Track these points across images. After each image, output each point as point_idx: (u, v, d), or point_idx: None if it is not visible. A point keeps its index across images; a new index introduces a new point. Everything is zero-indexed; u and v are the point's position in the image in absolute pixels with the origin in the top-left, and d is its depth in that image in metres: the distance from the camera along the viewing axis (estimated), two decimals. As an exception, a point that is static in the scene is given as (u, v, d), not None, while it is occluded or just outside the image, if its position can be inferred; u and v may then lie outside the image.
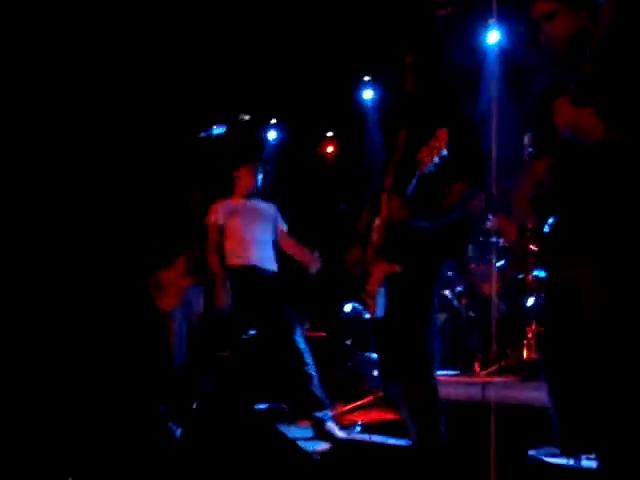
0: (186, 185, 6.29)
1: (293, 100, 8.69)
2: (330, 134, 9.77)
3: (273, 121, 9.54)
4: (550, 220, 2.62)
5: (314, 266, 5.41)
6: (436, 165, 3.26)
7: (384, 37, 7.10)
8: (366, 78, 8.57)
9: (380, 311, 3.54)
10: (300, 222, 7.96)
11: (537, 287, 5.49)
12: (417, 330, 3.41)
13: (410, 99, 3.73)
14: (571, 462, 3.41)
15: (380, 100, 8.53)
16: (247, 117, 8.37)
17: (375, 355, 5.34)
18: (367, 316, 3.83)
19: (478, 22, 7.11)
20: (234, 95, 8.26)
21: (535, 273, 5.48)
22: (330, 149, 9.81)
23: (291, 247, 5.61)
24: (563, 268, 2.57)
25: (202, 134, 5.11)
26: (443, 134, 3.22)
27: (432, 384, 3.50)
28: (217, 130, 5.09)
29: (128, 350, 6.18)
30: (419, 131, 3.48)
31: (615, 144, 2.37)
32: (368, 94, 8.63)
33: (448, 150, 3.22)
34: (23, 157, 6.84)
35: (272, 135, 9.59)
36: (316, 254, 5.41)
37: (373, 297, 3.57)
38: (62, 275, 6.85)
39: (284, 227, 5.71)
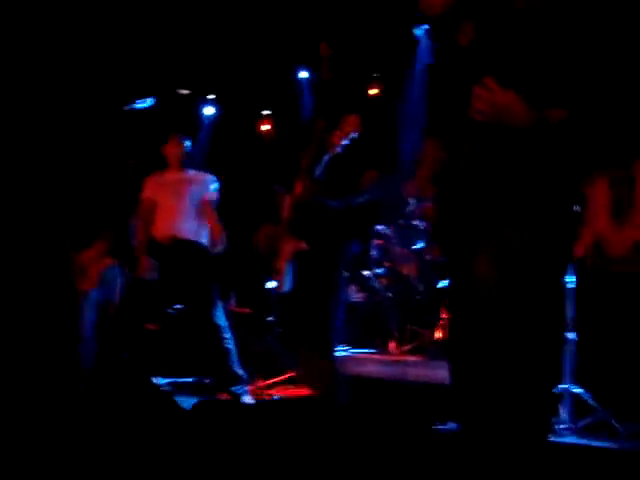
0: (113, 160, 6.29)
1: (231, 77, 8.69)
2: (267, 112, 9.76)
3: (211, 97, 9.48)
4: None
5: (218, 247, 5.47)
6: (345, 147, 3.38)
7: (320, 18, 7.17)
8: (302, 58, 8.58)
9: (287, 286, 3.66)
10: (233, 199, 8.03)
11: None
12: (319, 304, 3.53)
13: (326, 87, 3.84)
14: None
15: (314, 81, 8.57)
16: (185, 92, 8.37)
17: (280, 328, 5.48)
18: (275, 290, 3.94)
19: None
20: (172, 69, 8.25)
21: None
22: (266, 127, 9.80)
23: (209, 219, 5.55)
24: (463, 250, 2.64)
25: (126, 107, 5.09)
26: (353, 119, 3.34)
27: (332, 357, 3.62)
28: (142, 104, 5.08)
29: (39, 329, 6.19)
30: (334, 117, 3.59)
31: (543, 125, 2.39)
32: (303, 74, 8.66)
33: (358, 134, 3.34)
34: None
35: (209, 110, 9.51)
36: (224, 236, 5.44)
37: (281, 273, 3.69)
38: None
39: (211, 196, 5.61)
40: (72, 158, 7.20)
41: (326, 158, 3.50)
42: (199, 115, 9.44)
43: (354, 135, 3.36)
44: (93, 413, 3.32)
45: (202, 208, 5.55)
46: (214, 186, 5.65)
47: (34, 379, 4.97)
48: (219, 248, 5.49)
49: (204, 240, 5.55)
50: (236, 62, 8.27)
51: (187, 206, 5.54)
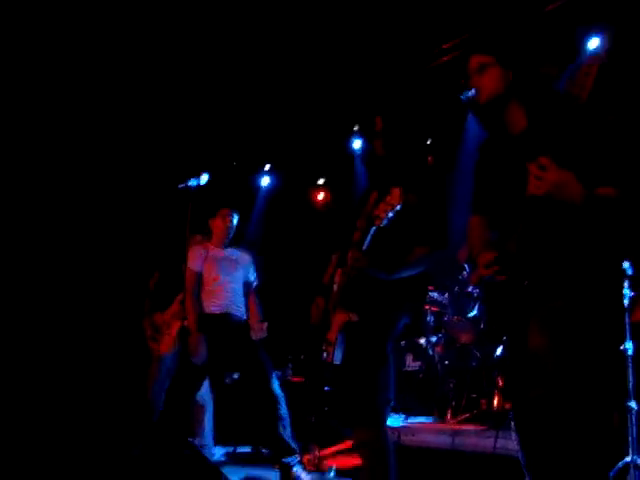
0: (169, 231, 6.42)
1: (285, 147, 8.84)
2: (321, 182, 9.89)
3: (266, 167, 9.63)
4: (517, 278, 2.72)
5: (258, 334, 5.58)
6: (389, 219, 3.43)
7: (374, 88, 7.31)
8: (355, 127, 8.68)
9: (338, 358, 3.67)
10: (289, 269, 8.12)
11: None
12: (369, 379, 3.53)
13: (379, 161, 3.92)
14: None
15: (367, 150, 8.65)
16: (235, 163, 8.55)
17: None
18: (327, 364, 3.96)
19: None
20: (225, 143, 8.45)
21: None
22: (321, 196, 9.92)
23: (250, 303, 5.74)
24: (521, 319, 2.68)
25: (181, 185, 5.23)
26: (396, 191, 3.40)
27: (382, 430, 3.60)
28: (196, 181, 5.20)
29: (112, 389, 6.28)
30: (384, 190, 3.66)
31: (595, 202, 2.50)
32: (357, 144, 8.75)
33: (401, 206, 3.39)
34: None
35: (265, 181, 9.67)
36: (265, 325, 5.60)
37: (332, 345, 3.71)
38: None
39: (253, 279, 5.82)
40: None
41: (372, 231, 3.55)
42: (255, 186, 9.56)
43: (398, 207, 3.41)
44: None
45: (246, 290, 5.74)
46: (254, 271, 5.85)
47: (97, 439, 5.06)
48: (259, 336, 5.59)
49: (245, 315, 5.70)
50: (291, 132, 8.40)
51: (237, 285, 5.69)
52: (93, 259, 7.56)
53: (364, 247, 3.56)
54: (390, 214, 3.40)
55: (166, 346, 6.19)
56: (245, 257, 5.86)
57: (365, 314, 3.61)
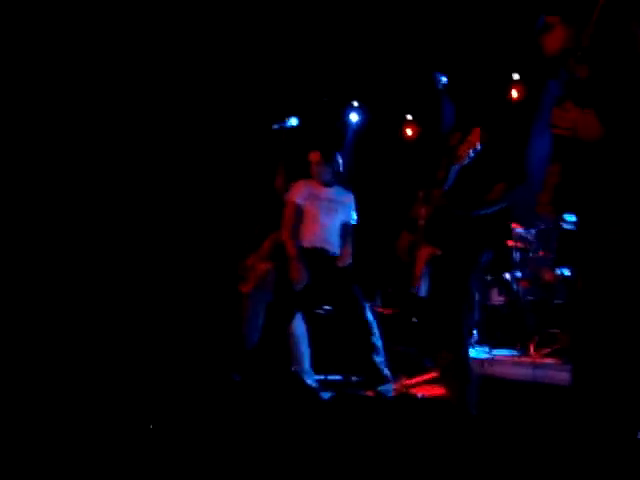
0: (268, 173, 6.67)
1: (372, 83, 8.89)
2: (409, 117, 9.94)
3: (355, 104, 9.72)
4: (569, 218, 2.94)
5: (342, 262, 5.85)
6: (471, 158, 3.61)
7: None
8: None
9: (423, 292, 3.92)
10: (377, 204, 8.28)
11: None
12: (453, 308, 3.77)
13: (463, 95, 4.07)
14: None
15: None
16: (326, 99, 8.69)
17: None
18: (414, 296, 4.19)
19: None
20: (314, 79, 8.57)
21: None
22: (410, 132, 9.98)
23: (346, 241, 5.98)
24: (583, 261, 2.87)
25: (275, 126, 5.44)
26: (477, 131, 3.57)
27: (463, 355, 3.84)
28: (290, 122, 5.40)
29: (207, 325, 6.66)
30: (468, 128, 3.83)
31: (615, 141, 2.68)
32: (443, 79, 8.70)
33: (482, 145, 3.57)
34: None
35: (354, 117, 9.77)
36: (349, 251, 5.87)
37: (418, 279, 3.96)
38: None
39: (352, 222, 6.05)
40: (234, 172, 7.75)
41: (454, 170, 3.73)
42: (342, 124, 9.68)
43: (478, 147, 3.58)
44: (245, 404, 3.69)
45: (345, 230, 5.98)
46: (354, 212, 6.07)
47: (198, 372, 5.44)
48: (343, 263, 5.87)
49: (340, 252, 5.95)
50: (379, 68, 8.44)
51: (335, 225, 5.95)
52: (195, 203, 7.89)
53: (446, 186, 3.76)
54: (471, 153, 3.58)
55: (251, 285, 6.55)
56: (347, 198, 6.07)
57: (448, 249, 3.82)
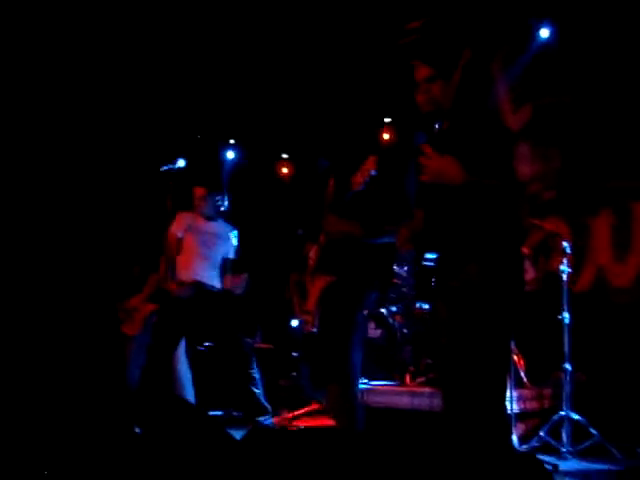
0: (150, 214, 6.73)
1: (250, 122, 9.06)
2: (285, 156, 10.19)
3: (231, 141, 9.87)
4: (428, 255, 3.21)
5: (237, 289, 6.00)
6: (366, 184, 3.87)
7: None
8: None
9: (317, 326, 4.14)
10: (257, 241, 8.45)
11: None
12: (344, 342, 3.98)
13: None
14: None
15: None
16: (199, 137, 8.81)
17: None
18: (305, 331, 4.38)
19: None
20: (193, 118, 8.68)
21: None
22: (285, 170, 10.21)
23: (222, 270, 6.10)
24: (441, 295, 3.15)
25: (164, 168, 5.57)
26: (372, 158, 3.84)
27: (353, 389, 4.06)
28: (178, 164, 5.55)
29: (89, 369, 6.59)
30: (351, 160, 4.10)
31: (474, 185, 2.94)
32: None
33: (376, 171, 3.84)
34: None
35: (230, 155, 9.91)
36: (244, 277, 6.00)
37: (311, 313, 4.16)
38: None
39: (231, 254, 6.17)
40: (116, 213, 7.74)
41: (349, 195, 3.97)
42: (221, 161, 9.81)
43: (373, 173, 3.84)
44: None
45: (223, 263, 6.09)
46: (235, 243, 6.19)
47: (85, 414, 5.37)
48: (238, 290, 6.01)
49: (219, 286, 6.06)
50: (255, 106, 8.61)
51: (216, 258, 6.07)
52: (74, 242, 7.80)
53: (341, 212, 4.00)
54: (367, 180, 3.84)
55: (136, 327, 6.61)
56: (228, 232, 6.19)
57: (342, 275, 4.04)
